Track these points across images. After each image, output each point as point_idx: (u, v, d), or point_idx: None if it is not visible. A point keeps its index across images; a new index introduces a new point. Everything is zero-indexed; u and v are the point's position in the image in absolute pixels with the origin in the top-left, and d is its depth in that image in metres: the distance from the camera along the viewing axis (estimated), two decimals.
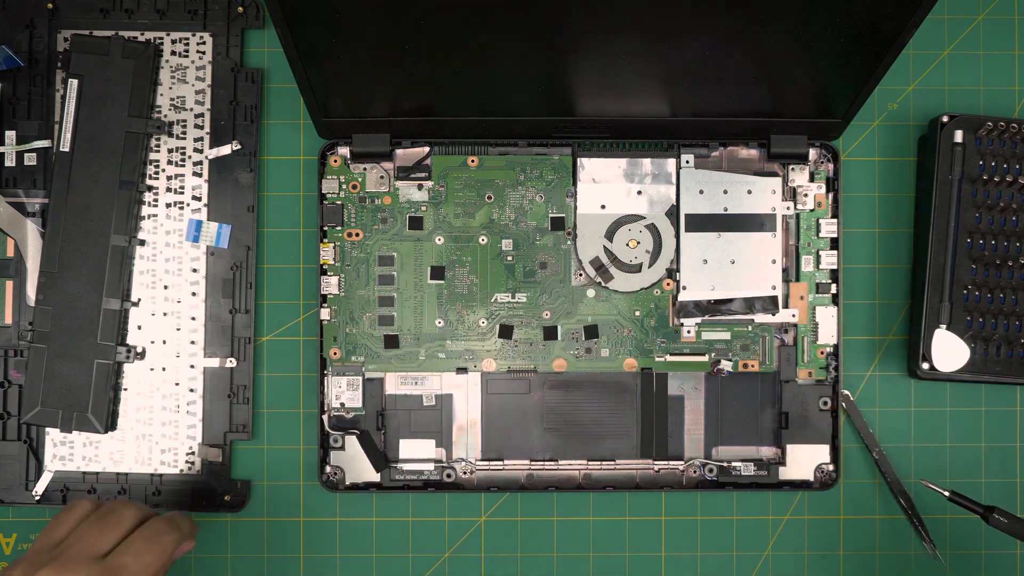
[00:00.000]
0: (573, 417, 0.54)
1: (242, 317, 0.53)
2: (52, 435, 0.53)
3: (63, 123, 0.52)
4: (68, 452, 0.53)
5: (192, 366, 0.53)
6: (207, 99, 0.53)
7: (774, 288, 0.53)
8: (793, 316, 0.53)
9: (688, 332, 0.53)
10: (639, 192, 0.53)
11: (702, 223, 0.53)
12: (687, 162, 0.53)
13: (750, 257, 0.53)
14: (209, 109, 0.53)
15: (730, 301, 0.53)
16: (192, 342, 0.53)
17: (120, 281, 0.52)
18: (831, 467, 0.53)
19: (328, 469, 0.53)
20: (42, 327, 0.52)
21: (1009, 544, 0.54)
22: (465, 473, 0.53)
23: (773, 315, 0.53)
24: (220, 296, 0.53)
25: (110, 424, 0.52)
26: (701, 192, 0.53)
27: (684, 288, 0.53)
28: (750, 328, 0.53)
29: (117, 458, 0.53)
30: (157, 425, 0.53)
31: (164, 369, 0.53)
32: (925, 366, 0.52)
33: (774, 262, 0.53)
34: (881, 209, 0.55)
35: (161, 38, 0.53)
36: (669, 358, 0.53)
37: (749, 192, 0.53)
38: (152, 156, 0.53)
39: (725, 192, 0.53)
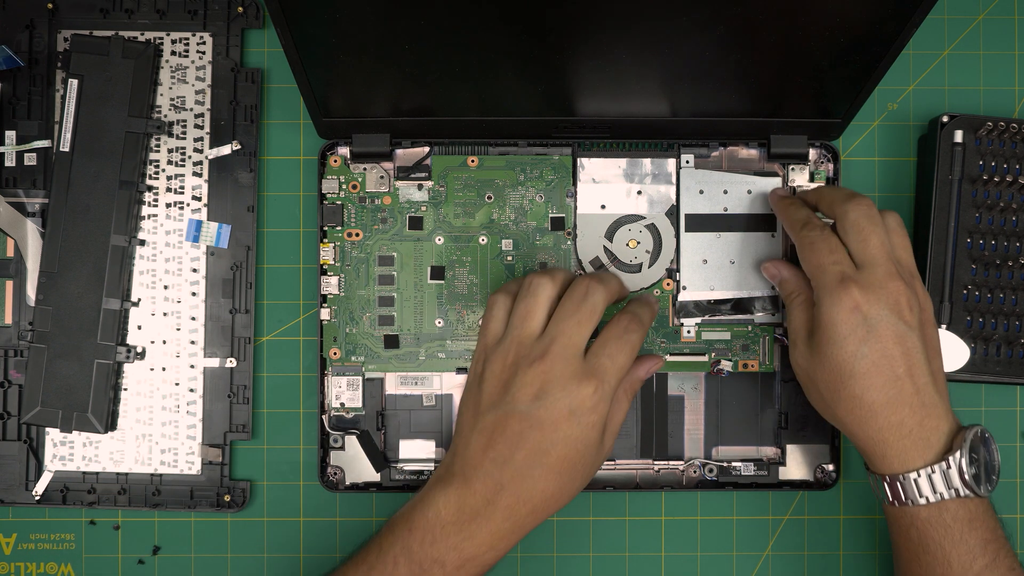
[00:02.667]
0: None
1: (242, 317, 0.53)
2: (52, 435, 0.53)
3: (63, 123, 0.52)
4: (68, 452, 0.53)
5: (192, 366, 0.53)
6: (207, 99, 0.53)
7: (774, 288, 0.53)
8: None
9: (688, 332, 0.53)
10: (639, 192, 0.53)
11: (702, 223, 0.53)
12: (687, 162, 0.53)
13: (750, 257, 0.53)
14: (209, 109, 0.53)
15: (730, 301, 0.53)
16: (192, 342, 0.53)
17: (120, 281, 0.52)
18: (831, 467, 0.53)
19: (328, 469, 0.53)
20: (42, 327, 0.52)
21: None
22: None
23: (773, 315, 0.53)
24: (220, 296, 0.53)
25: (110, 424, 0.52)
26: (701, 192, 0.53)
27: (684, 288, 0.53)
28: (750, 328, 0.53)
29: (117, 458, 0.53)
30: (157, 425, 0.53)
31: (164, 369, 0.53)
32: None
33: None
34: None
35: (161, 38, 0.53)
36: (669, 358, 0.53)
37: (749, 192, 0.53)
38: (152, 156, 0.53)
39: (725, 192, 0.53)
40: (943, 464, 0.43)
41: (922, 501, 0.43)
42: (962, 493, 0.43)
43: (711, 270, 0.53)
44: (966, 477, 0.43)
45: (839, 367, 0.44)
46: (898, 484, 0.44)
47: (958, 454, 0.43)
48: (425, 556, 0.43)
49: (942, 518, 0.43)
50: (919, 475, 0.43)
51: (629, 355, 0.45)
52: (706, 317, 0.53)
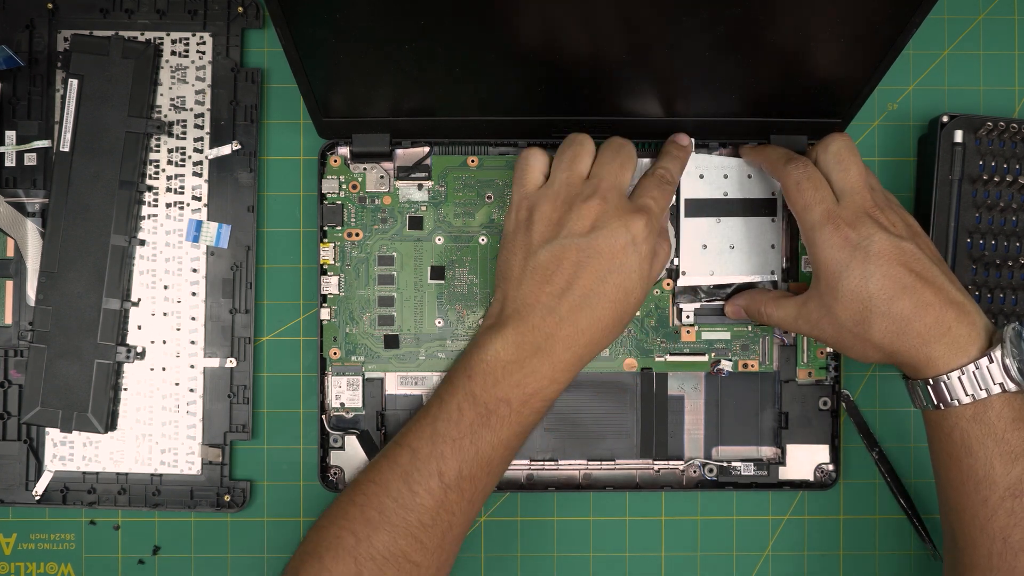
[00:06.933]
0: (573, 417, 0.53)
1: (242, 317, 0.53)
2: (52, 435, 0.53)
3: (63, 123, 0.52)
4: (68, 452, 0.53)
5: (192, 366, 0.53)
6: (207, 99, 0.53)
7: (773, 273, 0.53)
8: None
9: (688, 332, 0.53)
10: None
11: (702, 208, 0.53)
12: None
13: (750, 242, 0.53)
14: (209, 109, 0.53)
15: (730, 286, 0.53)
16: (192, 342, 0.53)
17: (120, 281, 0.52)
18: (831, 467, 0.53)
19: (328, 469, 0.53)
20: (42, 327, 0.52)
21: None
22: None
23: None
24: (220, 296, 0.53)
25: (110, 424, 0.52)
26: (702, 176, 0.53)
27: (684, 273, 0.53)
28: (750, 328, 0.53)
29: (117, 458, 0.53)
30: (157, 425, 0.53)
31: (164, 369, 0.53)
32: None
33: (773, 247, 0.53)
34: None
35: (161, 38, 0.53)
36: (669, 358, 0.53)
37: (749, 177, 0.53)
38: (152, 156, 0.53)
39: (725, 177, 0.53)
40: (986, 359, 0.43)
41: (967, 400, 0.44)
42: (1008, 387, 0.43)
43: (711, 255, 0.53)
44: (1012, 372, 0.43)
45: (856, 295, 0.45)
46: (942, 385, 0.44)
47: (999, 349, 0.43)
48: (490, 398, 0.45)
49: (986, 415, 0.43)
50: (963, 373, 0.43)
51: (668, 199, 0.49)
52: (705, 301, 0.53)
